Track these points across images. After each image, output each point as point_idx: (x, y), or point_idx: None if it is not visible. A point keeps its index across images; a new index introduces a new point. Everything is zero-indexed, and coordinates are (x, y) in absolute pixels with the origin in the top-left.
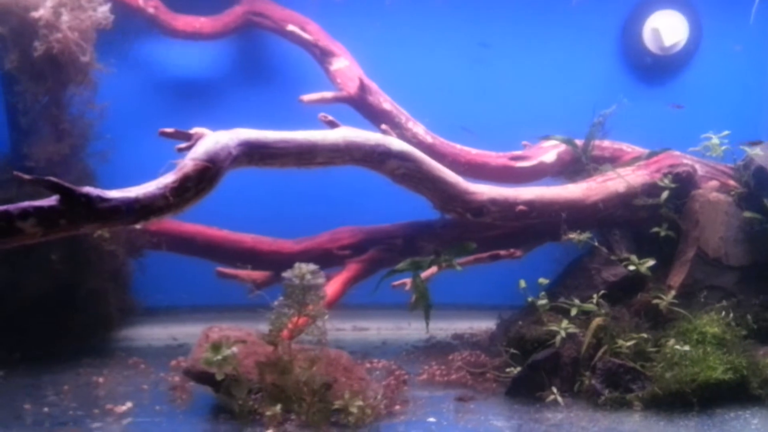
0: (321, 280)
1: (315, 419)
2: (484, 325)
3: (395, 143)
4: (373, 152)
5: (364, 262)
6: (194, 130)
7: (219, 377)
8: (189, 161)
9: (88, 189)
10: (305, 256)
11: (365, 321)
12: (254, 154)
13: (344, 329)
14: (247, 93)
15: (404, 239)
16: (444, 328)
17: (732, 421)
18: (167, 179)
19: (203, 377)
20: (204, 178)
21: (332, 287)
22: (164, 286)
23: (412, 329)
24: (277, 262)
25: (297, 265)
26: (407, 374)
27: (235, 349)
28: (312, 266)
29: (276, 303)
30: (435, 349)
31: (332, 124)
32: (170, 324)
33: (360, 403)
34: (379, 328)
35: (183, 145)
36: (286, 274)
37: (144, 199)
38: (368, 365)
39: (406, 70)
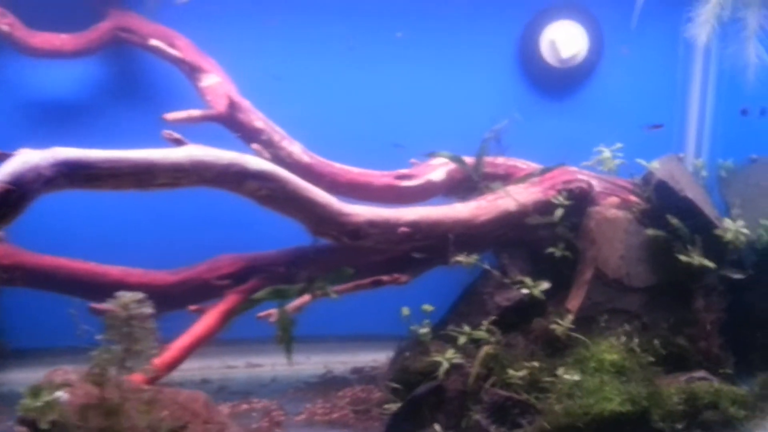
0: (147, 310)
1: None
2: (390, 356)
3: (253, 162)
4: (226, 172)
5: (244, 292)
6: (19, 152)
7: (43, 425)
8: None
9: None
10: (182, 287)
11: (261, 357)
12: (75, 175)
13: (237, 366)
14: (126, 113)
15: (287, 267)
16: (345, 361)
17: None
18: None
19: (33, 426)
20: (5, 202)
21: (208, 320)
22: (39, 326)
23: (310, 364)
24: (150, 295)
25: (119, 294)
26: (285, 415)
27: (61, 392)
28: (138, 295)
29: (99, 338)
30: (327, 385)
31: (178, 142)
32: (43, 367)
33: None
34: (274, 364)
35: None
36: (108, 305)
37: None
38: (245, 406)
39: (281, 84)
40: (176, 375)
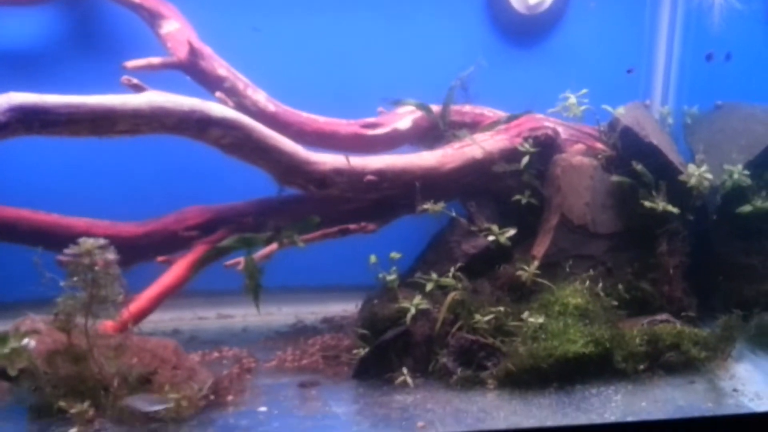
0: (111, 256)
1: (127, 414)
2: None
3: (216, 109)
4: (188, 119)
5: (212, 243)
6: None
7: (12, 372)
8: None
9: None
10: (149, 239)
11: (232, 308)
12: (32, 120)
13: (208, 317)
14: (84, 61)
15: (255, 217)
16: (316, 311)
17: (592, 398)
18: None
19: (4, 373)
20: None
21: (176, 271)
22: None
23: (281, 314)
24: (118, 247)
25: (82, 240)
26: (255, 362)
27: (28, 340)
28: (101, 241)
29: (63, 284)
30: (298, 334)
31: (137, 88)
32: (9, 320)
33: (175, 395)
34: (246, 315)
35: None
36: (68, 251)
37: None
38: (216, 354)
39: (252, 34)
40: (147, 326)
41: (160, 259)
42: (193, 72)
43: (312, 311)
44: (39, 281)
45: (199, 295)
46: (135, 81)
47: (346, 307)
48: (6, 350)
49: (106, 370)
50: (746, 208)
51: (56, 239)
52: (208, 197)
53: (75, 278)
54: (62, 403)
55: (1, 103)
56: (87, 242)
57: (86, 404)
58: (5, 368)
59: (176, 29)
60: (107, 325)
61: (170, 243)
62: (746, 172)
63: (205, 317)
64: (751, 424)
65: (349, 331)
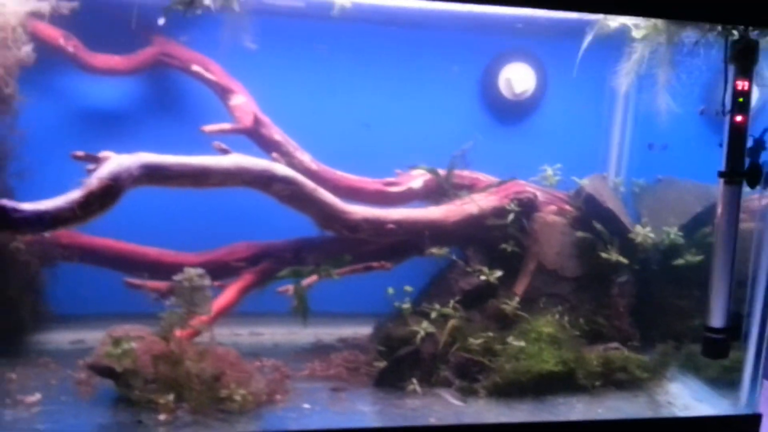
0: (206, 282)
1: (203, 406)
2: (368, 330)
3: (280, 169)
4: (261, 176)
5: (257, 272)
6: (102, 154)
7: (119, 369)
8: (95, 180)
9: (4, 201)
10: (206, 267)
11: (262, 327)
12: (154, 175)
13: (242, 334)
14: (162, 123)
15: (292, 253)
16: (332, 333)
17: (560, 405)
18: (74, 194)
19: (106, 371)
20: (107, 194)
21: (228, 294)
22: (76, 294)
23: (303, 334)
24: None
25: (186, 269)
26: (291, 370)
27: (133, 344)
28: (199, 270)
29: (168, 303)
30: (321, 351)
31: (225, 152)
32: (81, 330)
33: (243, 391)
34: (274, 334)
35: (92, 166)
36: (177, 277)
37: (53, 210)
38: (258, 363)
39: (307, 110)
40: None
41: (215, 283)
42: (255, 137)
43: (329, 332)
44: (101, 299)
45: (232, 316)
46: (223, 146)
47: (357, 330)
48: (119, 351)
49: (190, 371)
50: (679, 261)
51: (133, 264)
52: (253, 235)
53: (178, 298)
54: (152, 396)
55: (134, 161)
56: (189, 271)
57: (171, 396)
58: (111, 366)
59: (243, 102)
60: (183, 333)
61: (223, 271)
62: (680, 233)
63: (240, 334)
64: (680, 427)
65: (363, 349)
